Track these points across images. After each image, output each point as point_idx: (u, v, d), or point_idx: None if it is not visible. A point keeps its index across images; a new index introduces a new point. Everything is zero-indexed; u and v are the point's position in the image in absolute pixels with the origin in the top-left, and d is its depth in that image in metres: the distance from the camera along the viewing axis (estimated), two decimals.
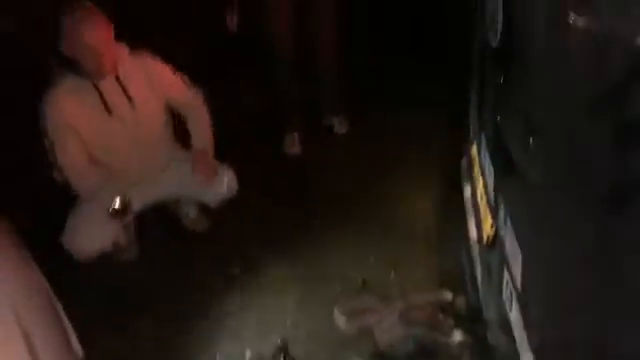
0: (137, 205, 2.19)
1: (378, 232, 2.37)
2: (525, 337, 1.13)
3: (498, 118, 1.03)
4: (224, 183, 2.23)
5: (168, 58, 2.15)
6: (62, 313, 1.43)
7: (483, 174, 1.56)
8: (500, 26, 1.08)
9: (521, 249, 1.02)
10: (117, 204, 2.04)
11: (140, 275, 2.30)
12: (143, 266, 2.35)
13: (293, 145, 2.92)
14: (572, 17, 0.71)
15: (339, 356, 1.58)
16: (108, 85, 1.94)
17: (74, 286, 1.85)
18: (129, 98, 1.98)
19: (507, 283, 1.28)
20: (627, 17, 0.64)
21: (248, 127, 3.00)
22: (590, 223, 0.72)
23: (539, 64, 0.85)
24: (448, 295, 1.59)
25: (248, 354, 1.84)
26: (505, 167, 1.10)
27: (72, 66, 1.86)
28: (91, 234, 2.03)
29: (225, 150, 2.24)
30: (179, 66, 2.16)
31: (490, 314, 1.49)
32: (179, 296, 2.17)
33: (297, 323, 2.00)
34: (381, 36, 3.51)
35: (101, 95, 1.93)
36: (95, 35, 1.80)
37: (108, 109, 1.95)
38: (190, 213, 2.47)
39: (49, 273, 1.47)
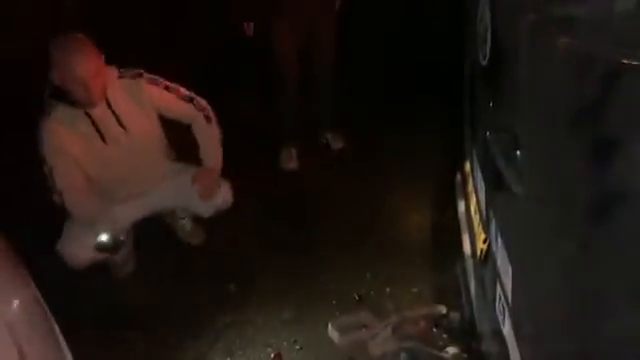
0: (131, 217, 2.21)
1: (373, 248, 2.38)
2: (517, 352, 1.14)
3: (487, 134, 1.05)
4: (219, 195, 2.24)
5: (167, 71, 2.17)
6: (57, 330, 1.43)
7: (476, 190, 1.59)
8: (489, 45, 1.12)
9: (511, 263, 1.03)
10: (105, 238, 2.05)
11: (135, 289, 2.31)
12: (139, 280, 2.35)
13: (290, 160, 2.95)
14: (554, 37, 0.74)
15: None
16: (100, 112, 1.95)
17: (70, 300, 1.85)
18: (121, 123, 1.99)
19: (499, 298, 1.29)
20: (605, 39, 0.68)
21: (246, 140, 3.03)
22: (574, 236, 0.74)
23: (523, 81, 0.88)
24: (442, 309, 1.60)
25: None
26: (494, 182, 1.13)
27: (63, 95, 1.88)
28: (85, 242, 2.05)
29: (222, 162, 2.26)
30: (179, 79, 2.17)
31: (484, 328, 1.49)
32: (174, 311, 2.17)
33: (292, 337, 2.00)
34: (378, 55, 3.58)
35: (94, 124, 1.95)
36: (85, 67, 1.81)
37: (103, 138, 1.98)
38: (186, 225, 2.48)
39: (45, 287, 1.48)
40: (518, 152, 0.91)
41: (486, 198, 1.29)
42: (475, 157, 1.54)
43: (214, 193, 2.21)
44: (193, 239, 2.49)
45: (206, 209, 2.27)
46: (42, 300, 1.42)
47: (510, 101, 0.98)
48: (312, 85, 2.88)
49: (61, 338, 1.40)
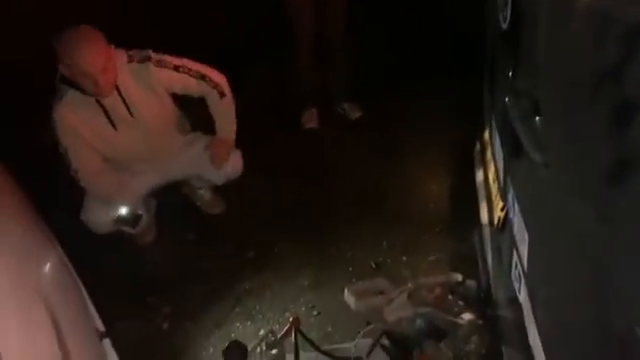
0: (148, 188, 2.25)
1: (391, 216, 2.39)
2: (533, 319, 1.15)
3: (507, 100, 1.03)
4: (229, 163, 2.26)
5: (183, 44, 2.16)
6: (85, 294, 1.48)
7: (494, 158, 1.57)
8: (509, 8, 1.09)
9: (527, 231, 1.03)
10: (124, 212, 2.10)
11: (157, 257, 2.37)
12: (160, 249, 2.41)
13: (311, 120, 2.97)
14: None
15: (349, 334, 1.62)
16: (110, 100, 1.94)
17: (93, 267, 1.91)
18: (131, 111, 1.99)
19: (516, 265, 1.30)
20: None
21: (264, 109, 3.03)
22: (592, 203, 0.73)
23: (544, 44, 0.86)
24: (458, 277, 1.60)
25: (262, 333, 1.89)
26: (513, 149, 1.11)
27: (73, 84, 1.87)
28: (104, 215, 2.10)
29: (239, 131, 2.27)
30: (197, 50, 2.16)
31: (500, 296, 1.51)
32: (195, 277, 2.23)
33: (310, 303, 2.05)
34: (396, 24, 3.49)
35: (105, 111, 1.95)
36: (93, 63, 1.77)
37: (113, 125, 1.99)
38: (205, 195, 2.52)
39: (69, 254, 1.53)
40: (538, 118, 0.90)
41: (504, 166, 1.28)
42: (494, 124, 1.52)
43: (225, 161, 2.24)
44: (213, 209, 2.53)
45: (218, 177, 2.30)
46: (69, 264, 1.47)
47: (530, 65, 0.95)
48: (326, 53, 2.85)
49: (88, 299, 1.46)
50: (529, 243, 1.02)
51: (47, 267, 1.24)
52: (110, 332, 1.51)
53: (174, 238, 2.45)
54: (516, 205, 1.13)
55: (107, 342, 1.36)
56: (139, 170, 2.21)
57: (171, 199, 2.47)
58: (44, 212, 1.53)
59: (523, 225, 1.06)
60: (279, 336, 1.34)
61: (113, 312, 1.64)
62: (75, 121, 1.93)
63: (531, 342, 1.18)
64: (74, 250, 1.56)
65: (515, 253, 1.27)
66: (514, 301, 1.33)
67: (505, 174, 1.28)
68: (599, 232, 0.73)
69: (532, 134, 0.90)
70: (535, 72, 0.92)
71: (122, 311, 2.00)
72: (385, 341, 1.48)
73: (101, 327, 1.43)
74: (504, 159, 1.27)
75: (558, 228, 0.88)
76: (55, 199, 2.21)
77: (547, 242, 0.95)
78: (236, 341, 1.31)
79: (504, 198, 1.35)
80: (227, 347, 1.31)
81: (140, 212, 2.16)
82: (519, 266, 1.27)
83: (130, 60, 1.97)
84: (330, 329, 1.92)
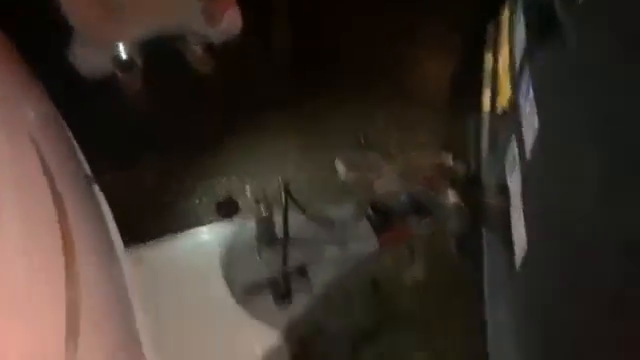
0: (141, 35, 2.10)
1: (387, 92, 2.32)
2: (520, 205, 1.18)
3: None
4: (225, 19, 2.11)
5: None
6: (73, 140, 1.44)
7: (511, 41, 1.48)
8: None
9: (538, 116, 1.00)
10: (122, 53, 1.98)
11: (148, 113, 2.30)
12: (149, 99, 2.33)
13: None
14: None
15: (337, 202, 1.66)
16: None
17: (80, 118, 1.85)
18: None
19: (513, 151, 1.29)
20: None
21: None
22: (621, 88, 0.69)
23: None
24: (449, 158, 1.61)
25: (249, 189, 1.93)
26: (541, 30, 1.03)
27: None
28: (94, 57, 1.99)
29: None
30: None
31: (488, 180, 1.53)
32: (183, 130, 2.19)
33: (298, 167, 2.06)
34: None
35: None
36: None
37: None
38: (197, 51, 2.38)
39: (59, 103, 1.45)
40: None
41: (525, 47, 1.20)
42: (519, 4, 1.40)
43: (220, 16, 2.08)
44: (203, 66, 2.40)
45: (215, 34, 2.15)
46: (56, 110, 1.40)
47: None
48: None
49: (76, 145, 1.43)
50: (538, 130, 1.00)
51: (32, 115, 1.18)
52: (98, 178, 1.50)
53: (161, 94, 2.36)
54: (530, 91, 1.09)
55: (96, 187, 1.36)
56: (133, 14, 2.04)
57: (162, 54, 2.33)
58: (31, 59, 1.41)
59: (534, 111, 1.03)
60: (269, 197, 1.36)
61: (99, 162, 1.62)
62: None
63: (513, 227, 1.22)
64: (60, 97, 1.48)
65: (514, 140, 1.26)
66: (503, 188, 1.36)
67: (523, 58, 1.21)
68: (623, 122, 0.70)
69: (572, 12, 0.82)
70: None
71: (107, 162, 1.98)
72: (370, 212, 1.52)
73: (89, 172, 1.42)
74: (526, 40, 1.19)
75: (575, 113, 0.84)
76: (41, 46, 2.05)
77: (559, 131, 0.92)
78: (230, 197, 1.32)
79: (515, 82, 1.30)
80: (220, 202, 1.32)
81: (130, 57, 2.04)
82: (515, 153, 1.26)
83: None
84: (316, 196, 1.96)
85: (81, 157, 1.43)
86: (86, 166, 1.44)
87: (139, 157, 2.11)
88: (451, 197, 1.55)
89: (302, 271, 1.27)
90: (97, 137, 2.05)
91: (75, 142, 1.42)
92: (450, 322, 1.65)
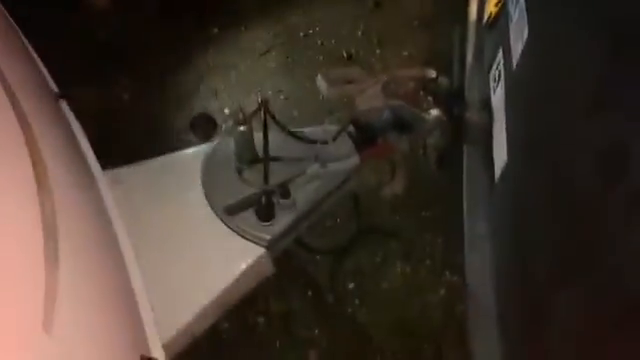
0: None
1: (369, 3, 2.21)
2: (503, 120, 1.16)
3: None
4: None
5: None
6: (35, 55, 1.35)
7: None
8: None
9: (528, 23, 0.96)
10: None
11: (114, 24, 2.15)
12: (118, 16, 2.17)
13: None
14: None
15: (317, 119, 1.63)
16: None
17: (44, 32, 1.71)
18: None
19: (498, 64, 1.26)
20: None
21: None
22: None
23: None
24: (432, 73, 1.56)
25: (227, 111, 1.88)
26: None
27: None
28: None
29: None
30: None
31: (472, 95, 1.50)
32: (155, 50, 2.08)
33: (277, 86, 2.00)
34: None
35: None
36: None
37: None
38: None
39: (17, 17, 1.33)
40: None
41: None
42: None
43: None
44: None
45: None
46: (19, 32, 1.29)
47: None
48: None
49: (41, 65, 1.33)
50: (527, 38, 0.96)
51: None
52: (66, 98, 1.43)
53: (132, 6, 2.19)
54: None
55: (64, 104, 1.29)
56: None
57: None
58: None
59: (524, 18, 0.98)
60: (248, 114, 1.31)
61: (68, 78, 1.53)
62: None
63: (495, 141, 1.21)
64: (20, 11, 1.36)
65: (501, 51, 1.22)
66: (486, 102, 1.33)
67: None
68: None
69: None
70: None
71: (78, 78, 1.88)
72: (351, 128, 1.50)
73: (56, 89, 1.34)
74: None
75: (568, 28, 0.81)
76: None
77: (549, 38, 0.89)
78: (205, 113, 1.26)
79: None
80: (195, 118, 1.27)
81: None
82: (501, 65, 1.23)
83: None
84: (296, 114, 1.92)
85: (46, 74, 1.35)
86: (51, 82, 1.36)
87: (108, 72, 2.01)
88: (433, 112, 1.53)
89: (284, 188, 1.26)
90: (60, 49, 1.94)
91: (36, 55, 1.33)
92: (430, 235, 1.70)
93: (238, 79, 2.03)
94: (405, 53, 2.10)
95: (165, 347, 0.94)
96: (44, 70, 1.34)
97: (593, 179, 0.67)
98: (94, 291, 0.77)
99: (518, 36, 1.00)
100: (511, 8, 1.10)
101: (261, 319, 1.56)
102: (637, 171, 0.60)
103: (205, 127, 1.25)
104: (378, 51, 2.12)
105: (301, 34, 2.14)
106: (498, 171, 1.12)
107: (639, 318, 0.54)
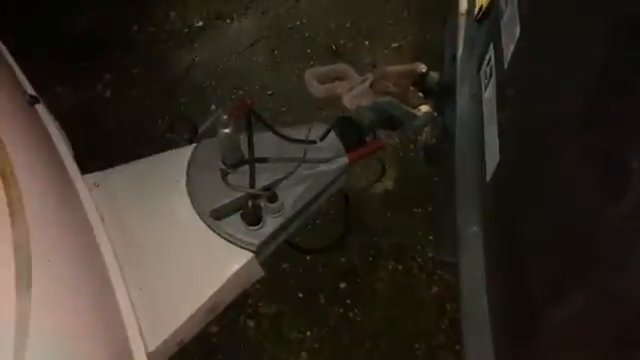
0: None
1: None
2: (495, 117, 1.13)
3: None
4: None
5: None
6: (9, 56, 1.29)
7: None
8: None
9: (521, 23, 0.92)
10: None
11: (93, 16, 2.09)
12: (96, 8, 2.11)
13: None
14: None
15: (303, 118, 1.59)
16: None
17: (22, 29, 1.65)
18: None
19: (489, 60, 1.22)
20: None
21: None
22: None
23: None
24: (423, 68, 1.53)
25: (213, 108, 1.83)
26: None
27: None
28: None
29: None
30: None
31: (462, 91, 1.47)
32: (137, 45, 2.03)
33: (263, 82, 1.95)
34: None
35: None
36: None
37: None
38: None
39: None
40: None
41: None
42: None
43: None
44: None
45: None
46: None
47: None
48: None
49: (14, 63, 1.28)
50: (520, 31, 0.93)
51: None
52: (46, 97, 1.37)
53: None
54: None
55: (41, 107, 1.24)
56: None
57: None
58: None
59: (516, 16, 0.95)
60: (231, 114, 1.27)
61: (48, 77, 1.48)
62: None
63: (486, 140, 1.19)
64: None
65: (492, 47, 1.19)
66: (477, 97, 1.30)
67: None
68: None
69: None
70: None
71: (58, 75, 1.82)
72: (339, 126, 1.46)
73: (32, 92, 1.28)
74: None
75: (562, 18, 0.78)
76: None
77: (543, 30, 0.85)
78: (183, 115, 1.22)
79: None
80: (174, 119, 1.23)
81: None
82: (492, 62, 1.19)
83: None
84: (284, 110, 1.88)
85: (21, 75, 1.29)
86: (27, 84, 1.30)
87: (89, 68, 1.96)
88: (423, 108, 1.50)
89: (271, 192, 1.22)
90: (38, 45, 1.88)
91: (9, 56, 1.27)
92: (421, 232, 1.68)
93: (224, 75, 1.98)
94: (394, 45, 2.06)
95: (153, 355, 0.91)
96: (20, 74, 1.28)
97: (592, 191, 0.64)
98: (70, 313, 0.74)
99: (509, 33, 0.97)
100: (502, 2, 1.06)
101: (251, 322, 1.53)
102: (638, 180, 0.57)
103: (186, 128, 1.20)
104: (367, 43, 2.07)
105: (288, 26, 2.09)
106: (490, 170, 1.10)
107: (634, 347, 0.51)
